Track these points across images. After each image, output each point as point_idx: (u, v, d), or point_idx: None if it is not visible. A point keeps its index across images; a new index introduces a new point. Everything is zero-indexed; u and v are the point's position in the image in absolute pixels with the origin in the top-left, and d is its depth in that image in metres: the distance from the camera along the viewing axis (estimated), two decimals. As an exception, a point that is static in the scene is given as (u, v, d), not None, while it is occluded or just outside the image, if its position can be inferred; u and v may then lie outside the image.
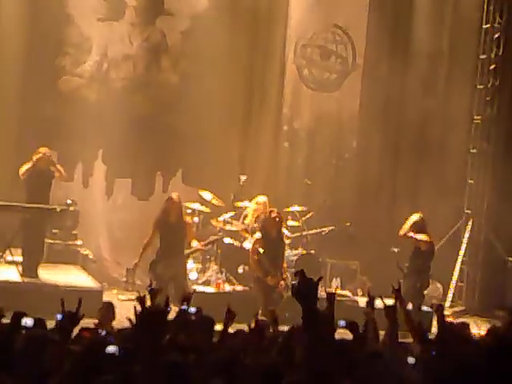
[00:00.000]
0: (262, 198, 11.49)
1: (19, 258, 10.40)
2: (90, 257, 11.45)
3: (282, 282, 10.12)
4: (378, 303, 6.33)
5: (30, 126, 11.95)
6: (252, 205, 11.52)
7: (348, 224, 11.31)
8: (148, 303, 6.13)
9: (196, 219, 11.63)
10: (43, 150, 10.48)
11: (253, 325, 6.02)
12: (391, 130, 13.13)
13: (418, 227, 10.45)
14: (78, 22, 12.41)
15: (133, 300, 7.20)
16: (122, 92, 12.48)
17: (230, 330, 6.08)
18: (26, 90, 11.97)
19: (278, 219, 10.33)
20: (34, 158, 10.35)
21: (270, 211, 10.53)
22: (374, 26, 13.15)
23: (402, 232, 10.55)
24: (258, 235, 10.45)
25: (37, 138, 11.49)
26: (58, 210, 10.44)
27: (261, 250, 10.22)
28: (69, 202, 11.51)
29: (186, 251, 10.19)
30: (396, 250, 11.64)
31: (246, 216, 11.56)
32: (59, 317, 5.19)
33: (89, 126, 11.94)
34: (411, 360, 5.27)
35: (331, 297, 5.72)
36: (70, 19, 12.34)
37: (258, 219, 11.27)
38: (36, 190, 10.32)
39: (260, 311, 9.17)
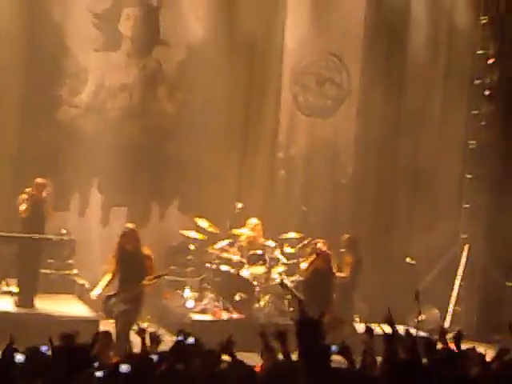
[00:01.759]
0: (253, 221, 11.54)
1: (15, 289, 10.41)
2: (87, 286, 11.45)
3: None
4: (377, 330, 6.36)
5: (28, 156, 12.02)
6: (246, 231, 11.57)
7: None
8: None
9: (192, 247, 11.67)
10: (40, 180, 10.55)
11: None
12: (387, 156, 13.17)
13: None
14: (75, 53, 12.52)
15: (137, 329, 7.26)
16: (118, 121, 12.56)
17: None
18: (23, 119, 12.08)
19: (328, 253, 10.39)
20: (30, 190, 10.42)
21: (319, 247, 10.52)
22: (368, 53, 13.26)
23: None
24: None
25: (34, 167, 11.57)
26: (54, 239, 10.49)
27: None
28: (64, 231, 11.56)
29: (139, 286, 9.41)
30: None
31: (240, 242, 11.60)
32: (44, 349, 5.26)
33: (85, 155, 12.03)
34: None
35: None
36: (68, 50, 12.46)
37: (253, 244, 11.34)
38: (32, 220, 10.36)
39: None
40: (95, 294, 9.54)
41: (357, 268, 11.13)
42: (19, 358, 5.57)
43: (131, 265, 9.35)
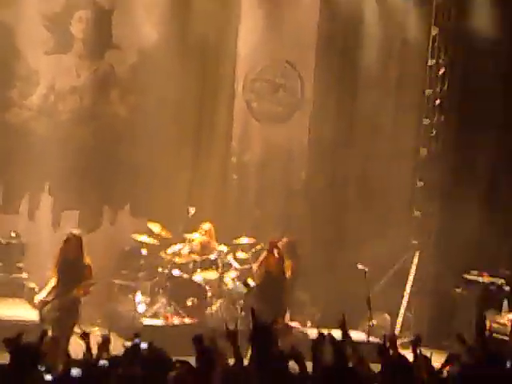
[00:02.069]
0: (205, 226, 11.50)
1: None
2: (36, 290, 11.24)
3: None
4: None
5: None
6: (198, 236, 11.52)
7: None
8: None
9: (144, 251, 11.57)
10: None
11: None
12: (339, 163, 13.24)
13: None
14: (25, 55, 12.35)
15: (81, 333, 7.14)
16: (69, 124, 12.41)
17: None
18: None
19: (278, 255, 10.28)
20: None
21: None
22: (321, 61, 13.34)
23: None
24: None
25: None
26: (4, 242, 10.31)
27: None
28: (13, 234, 11.39)
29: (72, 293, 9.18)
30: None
31: (193, 247, 11.55)
32: None
33: (36, 157, 11.87)
34: None
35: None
36: (18, 52, 12.29)
37: (206, 248, 11.28)
38: None
39: None
40: (39, 298, 9.37)
41: (296, 271, 11.15)
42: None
43: (70, 272, 9.20)
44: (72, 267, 9.21)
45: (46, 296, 9.25)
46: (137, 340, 6.23)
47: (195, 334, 6.07)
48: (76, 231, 9.61)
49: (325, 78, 13.31)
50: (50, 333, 8.30)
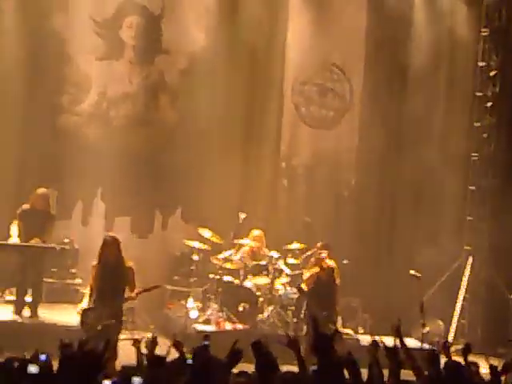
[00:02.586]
0: (255, 232, 11.49)
1: (28, 298, 10.41)
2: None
3: None
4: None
5: (30, 165, 12.00)
6: (249, 241, 11.51)
7: (345, 262, 11.28)
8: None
9: (196, 257, 11.59)
10: (41, 190, 10.49)
11: None
12: (389, 168, 13.14)
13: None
14: (77, 61, 12.47)
15: (132, 339, 7.14)
16: (121, 130, 12.52)
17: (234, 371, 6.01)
18: (25, 128, 12.04)
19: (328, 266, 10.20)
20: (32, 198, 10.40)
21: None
22: (370, 64, 13.26)
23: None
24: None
25: (36, 177, 11.52)
26: (58, 248, 10.40)
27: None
28: (66, 240, 11.49)
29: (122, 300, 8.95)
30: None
31: (244, 253, 11.54)
32: (43, 357, 5.22)
33: (88, 164, 11.97)
34: None
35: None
36: (70, 58, 12.41)
37: (257, 254, 11.28)
38: (31, 229, 10.27)
39: None
40: (82, 307, 9.06)
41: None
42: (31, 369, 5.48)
43: (112, 277, 8.80)
44: (114, 271, 8.82)
45: (88, 304, 8.94)
46: (206, 342, 6.22)
47: (254, 340, 6.03)
48: (112, 234, 9.41)
49: (373, 81, 13.23)
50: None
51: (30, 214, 10.40)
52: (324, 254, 10.35)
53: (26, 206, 10.45)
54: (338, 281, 10.45)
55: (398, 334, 6.55)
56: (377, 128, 13.13)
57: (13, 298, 10.42)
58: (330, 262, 10.25)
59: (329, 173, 13.37)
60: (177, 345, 6.11)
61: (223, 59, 12.67)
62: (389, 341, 6.40)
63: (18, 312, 10.33)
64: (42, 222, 10.40)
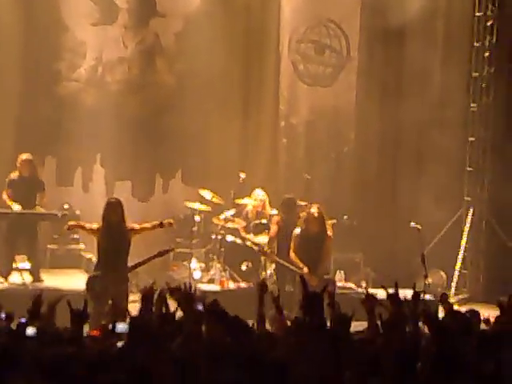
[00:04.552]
0: (258, 192, 11.52)
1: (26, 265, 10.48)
2: (93, 260, 11.45)
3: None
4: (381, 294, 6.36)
5: (28, 132, 12.00)
6: (251, 201, 11.55)
7: (345, 217, 11.30)
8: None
9: (197, 218, 11.67)
10: (23, 156, 10.52)
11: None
12: (389, 121, 13.10)
13: None
14: (72, 27, 12.45)
15: (137, 302, 7.19)
16: (118, 95, 12.52)
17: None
18: (22, 95, 12.05)
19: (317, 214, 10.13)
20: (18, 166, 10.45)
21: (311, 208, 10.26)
22: (366, 18, 13.16)
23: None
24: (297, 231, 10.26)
25: (34, 143, 11.56)
26: (59, 215, 10.47)
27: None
28: (66, 206, 11.56)
29: (129, 265, 8.97)
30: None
31: (247, 213, 11.60)
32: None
33: (86, 129, 12.00)
34: None
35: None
36: (64, 25, 12.38)
37: (259, 214, 11.32)
38: (21, 196, 10.33)
39: None
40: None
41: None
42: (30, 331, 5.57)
43: (116, 241, 8.76)
44: (115, 235, 8.76)
45: (94, 269, 8.94)
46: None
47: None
48: (113, 198, 9.38)
49: (370, 34, 13.14)
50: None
51: (18, 181, 10.43)
52: (314, 208, 10.34)
53: (14, 175, 10.52)
54: (330, 233, 10.41)
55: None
56: (374, 80, 13.10)
57: (16, 265, 10.50)
58: (316, 213, 10.21)
59: (328, 129, 13.36)
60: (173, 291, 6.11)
61: (218, 19, 12.60)
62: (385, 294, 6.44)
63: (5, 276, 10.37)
64: (31, 188, 10.43)
